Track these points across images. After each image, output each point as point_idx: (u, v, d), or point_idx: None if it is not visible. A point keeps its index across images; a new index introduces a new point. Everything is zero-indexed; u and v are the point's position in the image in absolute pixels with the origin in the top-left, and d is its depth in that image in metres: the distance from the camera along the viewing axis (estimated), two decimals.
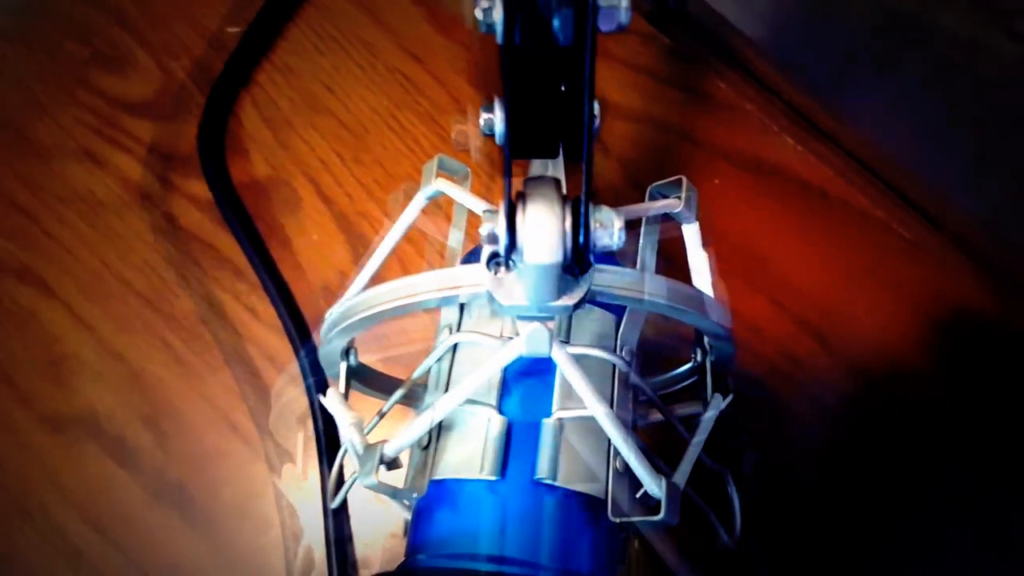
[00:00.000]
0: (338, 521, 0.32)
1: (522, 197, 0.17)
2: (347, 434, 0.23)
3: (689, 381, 0.29)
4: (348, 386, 0.26)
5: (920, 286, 0.36)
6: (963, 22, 0.45)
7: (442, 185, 0.26)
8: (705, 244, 0.26)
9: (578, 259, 0.17)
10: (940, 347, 0.35)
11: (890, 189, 0.38)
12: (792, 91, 0.41)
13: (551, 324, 0.20)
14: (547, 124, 0.18)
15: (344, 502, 0.33)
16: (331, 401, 0.25)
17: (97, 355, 0.36)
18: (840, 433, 0.34)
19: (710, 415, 0.24)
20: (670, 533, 0.29)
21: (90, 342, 0.37)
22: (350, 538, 0.32)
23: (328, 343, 0.24)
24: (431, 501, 0.22)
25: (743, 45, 0.42)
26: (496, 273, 0.19)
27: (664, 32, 0.41)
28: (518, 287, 0.19)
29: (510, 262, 0.19)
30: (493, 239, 0.17)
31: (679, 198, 0.25)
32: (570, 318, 0.24)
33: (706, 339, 0.27)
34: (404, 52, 0.41)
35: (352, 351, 0.26)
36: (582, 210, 0.17)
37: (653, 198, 0.27)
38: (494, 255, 0.19)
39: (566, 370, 0.20)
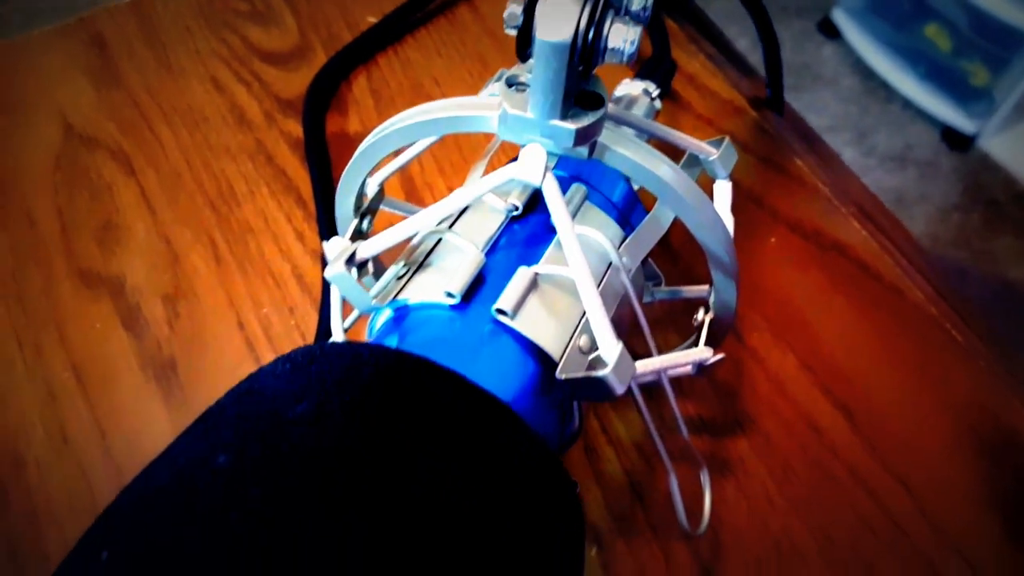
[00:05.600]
0: None
1: None
2: (334, 246, 0.23)
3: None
4: (360, 224, 0.26)
5: (963, 393, 0.34)
6: None
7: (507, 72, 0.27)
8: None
9: (588, 56, 0.18)
10: (969, 459, 0.32)
11: (948, 296, 0.36)
12: (872, 208, 0.41)
13: (552, 163, 0.20)
14: None
15: None
16: (332, 244, 0.25)
17: (147, 233, 0.38)
18: (843, 506, 0.31)
19: (692, 352, 0.23)
20: None
21: (146, 221, 0.39)
22: None
23: (353, 164, 0.25)
24: (388, 321, 0.22)
25: (827, 152, 0.43)
26: (514, 90, 0.20)
27: (756, 111, 0.42)
28: (527, 102, 0.19)
29: (522, 79, 0.20)
30: (514, 18, 0.18)
31: (716, 149, 0.25)
32: (580, 205, 0.24)
33: (710, 298, 0.26)
34: None
35: (368, 218, 0.27)
36: (599, 7, 0.18)
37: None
38: (513, 79, 0.20)
39: (553, 206, 0.20)
